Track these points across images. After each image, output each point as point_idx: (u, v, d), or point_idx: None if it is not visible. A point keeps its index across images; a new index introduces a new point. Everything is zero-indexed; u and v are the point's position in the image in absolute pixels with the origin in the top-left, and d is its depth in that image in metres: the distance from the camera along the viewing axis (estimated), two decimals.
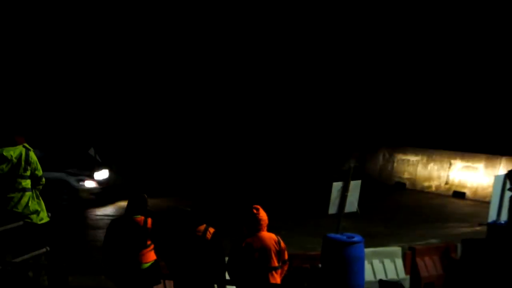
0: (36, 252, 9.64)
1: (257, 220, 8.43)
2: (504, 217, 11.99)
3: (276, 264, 8.43)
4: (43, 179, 9.96)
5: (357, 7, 30.49)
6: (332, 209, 11.11)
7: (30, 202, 9.73)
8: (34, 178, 9.83)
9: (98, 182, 19.10)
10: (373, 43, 30.36)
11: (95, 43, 30.12)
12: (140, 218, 8.96)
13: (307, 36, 31.22)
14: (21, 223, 9.63)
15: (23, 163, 9.70)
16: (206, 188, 21.86)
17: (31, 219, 9.75)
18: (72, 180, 18.67)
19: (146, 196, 9.14)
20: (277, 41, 31.38)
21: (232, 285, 8.87)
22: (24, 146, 9.82)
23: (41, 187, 9.97)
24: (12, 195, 9.64)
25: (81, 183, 18.77)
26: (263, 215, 8.48)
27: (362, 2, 30.50)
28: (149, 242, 8.93)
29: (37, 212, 9.79)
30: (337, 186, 11.06)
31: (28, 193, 9.72)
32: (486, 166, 20.39)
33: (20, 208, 9.65)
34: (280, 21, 31.21)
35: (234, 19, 31.29)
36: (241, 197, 19.66)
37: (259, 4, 31.05)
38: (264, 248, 8.37)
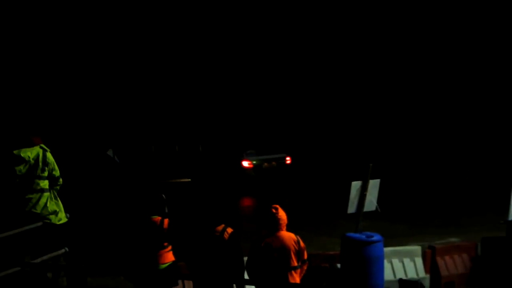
0: (55, 253, 9.64)
1: (276, 220, 8.40)
2: None
3: (296, 264, 8.40)
4: (61, 180, 9.95)
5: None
6: (351, 208, 11.05)
7: (48, 202, 9.73)
8: (52, 179, 9.83)
9: None
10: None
11: (108, 45, 30.21)
12: (157, 218, 8.95)
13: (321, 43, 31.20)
14: (39, 224, 9.64)
15: (40, 164, 9.70)
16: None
17: (50, 220, 9.76)
18: None
19: (164, 197, 9.13)
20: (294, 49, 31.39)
21: (251, 285, 8.84)
22: (41, 147, 9.82)
23: (58, 187, 9.96)
24: (30, 196, 9.66)
25: None
26: (282, 214, 8.45)
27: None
28: (166, 244, 8.90)
29: (55, 213, 9.80)
30: (356, 185, 10.99)
31: (46, 194, 9.73)
32: None
33: (38, 209, 9.66)
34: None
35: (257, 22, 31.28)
36: (261, 197, 19.63)
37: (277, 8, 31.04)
38: (283, 248, 8.34)
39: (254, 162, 22.65)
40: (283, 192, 21.59)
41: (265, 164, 22.75)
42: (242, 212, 18.75)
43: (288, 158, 23.44)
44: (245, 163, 22.49)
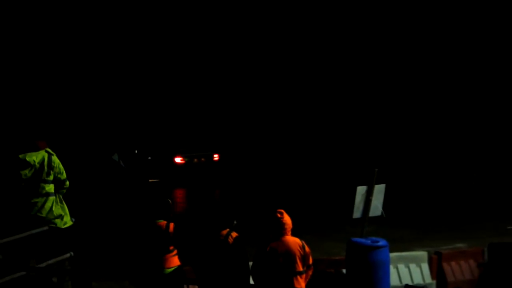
0: (60, 257, 9.64)
1: (281, 224, 8.39)
2: None
3: (301, 269, 8.39)
4: (67, 183, 9.95)
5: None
6: (357, 213, 11.02)
7: (54, 206, 9.74)
8: (58, 182, 9.83)
9: None
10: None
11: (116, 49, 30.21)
12: (163, 222, 8.95)
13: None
14: (45, 228, 9.64)
15: (46, 167, 9.72)
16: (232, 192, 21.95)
17: (55, 224, 9.75)
18: None
19: (170, 201, 9.14)
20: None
21: None
22: (46, 151, 9.82)
23: (64, 191, 9.96)
24: (36, 200, 9.66)
25: None
26: (287, 219, 8.44)
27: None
28: (171, 248, 8.90)
29: (61, 217, 9.80)
30: (361, 190, 10.97)
31: (51, 198, 9.74)
32: None
33: (44, 213, 9.67)
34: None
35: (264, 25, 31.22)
36: (266, 202, 19.63)
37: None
38: (288, 253, 8.33)
39: (186, 158, 24.91)
40: (212, 184, 24.07)
41: (195, 160, 25.11)
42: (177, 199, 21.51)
43: (216, 155, 25.64)
44: (178, 159, 24.86)
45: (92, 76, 29.74)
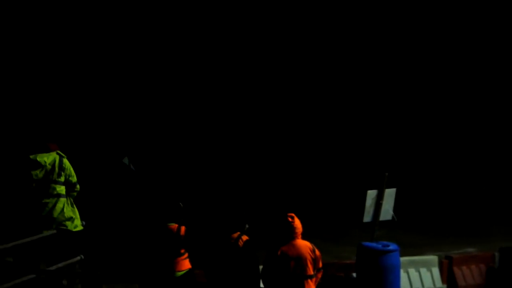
0: (70, 261, 9.64)
1: (292, 228, 8.40)
2: None
3: (312, 273, 8.39)
4: (78, 186, 9.95)
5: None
6: (367, 217, 11.01)
7: (65, 208, 9.73)
8: (69, 185, 9.84)
9: None
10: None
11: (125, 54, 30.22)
12: (174, 226, 8.95)
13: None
14: (55, 231, 9.64)
15: (57, 168, 9.73)
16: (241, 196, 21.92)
17: (66, 226, 9.75)
18: None
19: (181, 204, 9.12)
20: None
21: None
22: (57, 153, 9.85)
23: (75, 194, 9.96)
24: (47, 200, 9.67)
25: None
26: (298, 223, 8.45)
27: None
28: (182, 251, 8.90)
29: (71, 219, 9.79)
30: (371, 194, 10.95)
31: (63, 199, 9.74)
32: None
33: (55, 214, 9.66)
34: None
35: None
36: (276, 205, 19.62)
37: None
38: (299, 256, 8.33)
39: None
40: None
41: None
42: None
43: None
44: None
45: (102, 81, 29.79)
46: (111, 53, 29.91)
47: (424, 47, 29.96)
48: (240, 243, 8.47)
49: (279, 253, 8.36)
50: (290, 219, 8.45)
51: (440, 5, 28.88)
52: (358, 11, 30.59)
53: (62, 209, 9.71)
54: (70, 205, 9.85)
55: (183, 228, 8.92)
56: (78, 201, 10.18)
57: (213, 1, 30.63)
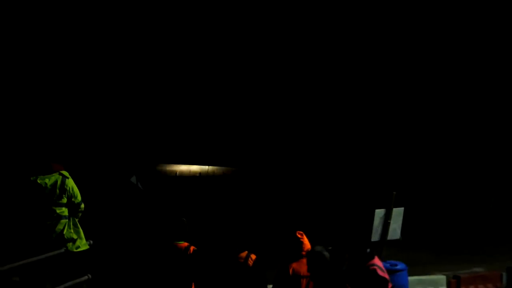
0: (78, 280, 9.60)
1: (301, 245, 8.44)
2: None
3: None
4: (82, 206, 9.81)
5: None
6: (375, 236, 10.98)
7: (65, 230, 9.61)
8: (72, 206, 9.74)
9: None
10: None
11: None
12: (183, 244, 8.86)
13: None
14: (57, 251, 9.55)
15: (57, 190, 9.61)
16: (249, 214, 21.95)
17: (67, 247, 9.67)
18: None
19: (185, 220, 9.04)
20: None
21: None
22: (60, 173, 9.74)
23: (80, 214, 9.83)
24: (48, 222, 9.60)
25: None
26: (306, 240, 8.51)
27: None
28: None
29: (72, 240, 9.66)
30: (379, 213, 10.93)
31: (63, 221, 9.63)
32: None
33: (54, 235, 9.59)
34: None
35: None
36: (281, 223, 19.59)
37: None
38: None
39: None
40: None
41: None
42: None
43: None
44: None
45: (112, 98, 29.81)
46: (118, 66, 29.87)
47: (436, 63, 29.91)
48: (250, 262, 8.44)
49: (290, 271, 8.36)
50: (299, 236, 8.49)
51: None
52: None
53: (62, 230, 9.62)
54: (73, 226, 9.73)
55: (192, 248, 8.83)
56: (85, 220, 10.14)
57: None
